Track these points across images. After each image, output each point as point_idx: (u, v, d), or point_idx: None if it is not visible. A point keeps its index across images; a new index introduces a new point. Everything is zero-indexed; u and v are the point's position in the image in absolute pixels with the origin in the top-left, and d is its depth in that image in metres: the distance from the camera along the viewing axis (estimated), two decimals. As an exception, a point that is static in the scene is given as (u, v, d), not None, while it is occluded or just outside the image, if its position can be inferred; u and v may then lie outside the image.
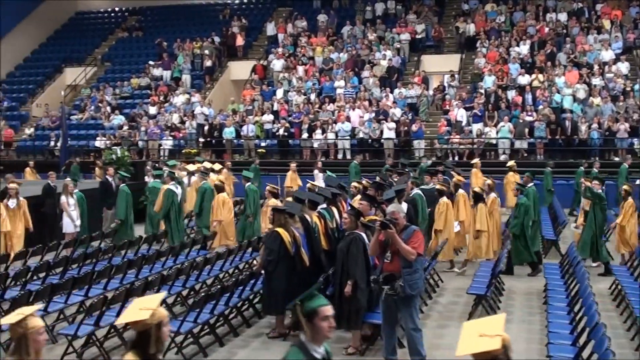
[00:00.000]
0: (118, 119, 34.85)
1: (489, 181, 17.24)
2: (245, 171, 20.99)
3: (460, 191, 17.36)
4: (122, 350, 10.86)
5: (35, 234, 17.37)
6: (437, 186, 17.08)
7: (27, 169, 28.06)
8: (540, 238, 17.61)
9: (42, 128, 36.15)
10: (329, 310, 5.25)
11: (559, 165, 25.94)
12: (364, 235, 10.45)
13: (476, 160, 24.98)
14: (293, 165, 26.34)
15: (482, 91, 31.16)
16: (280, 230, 11.23)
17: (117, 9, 47.37)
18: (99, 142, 32.90)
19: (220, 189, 18.11)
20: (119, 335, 10.92)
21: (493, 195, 16.69)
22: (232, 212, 18.42)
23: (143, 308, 5.03)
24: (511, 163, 24.04)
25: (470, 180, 22.56)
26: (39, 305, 10.24)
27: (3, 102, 38.78)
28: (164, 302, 12.42)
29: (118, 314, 10.77)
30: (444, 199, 16.46)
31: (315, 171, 25.53)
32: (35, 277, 13.44)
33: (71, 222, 17.98)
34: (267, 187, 16.71)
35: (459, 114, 30.27)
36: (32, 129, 36.46)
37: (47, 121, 36.04)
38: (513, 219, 15.97)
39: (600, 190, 16.06)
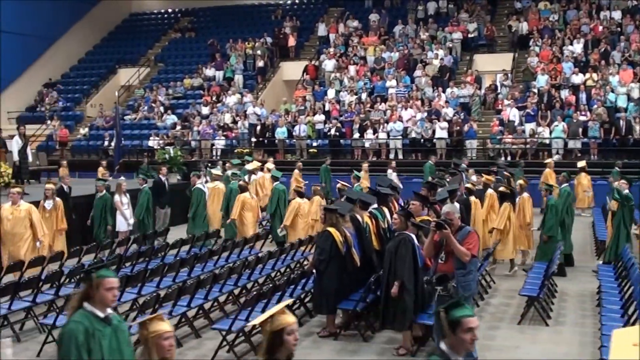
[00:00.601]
0: (171, 119, 35.20)
1: (520, 181, 17.04)
2: (275, 171, 21.26)
3: (489, 191, 17.14)
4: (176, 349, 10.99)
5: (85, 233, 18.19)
6: (468, 185, 16.98)
7: (100, 168, 28.39)
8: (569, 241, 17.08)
9: (96, 128, 36.67)
10: (473, 322, 5.13)
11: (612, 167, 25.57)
12: (413, 236, 10.39)
13: (550, 160, 24.78)
14: (299, 164, 26.24)
15: (535, 90, 30.88)
16: (331, 229, 11.23)
17: (170, 10, 47.90)
18: (152, 142, 33.24)
19: (243, 189, 18.37)
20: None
21: (525, 195, 16.50)
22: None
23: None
24: (582, 164, 23.78)
25: (543, 179, 22.05)
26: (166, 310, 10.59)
27: (58, 103, 39.43)
28: (215, 300, 12.53)
29: (170, 312, 10.89)
30: (473, 198, 16.32)
31: (389, 170, 25.37)
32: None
33: (124, 220, 18.18)
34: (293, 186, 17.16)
35: (512, 114, 29.96)
36: (86, 129, 36.98)
37: (102, 121, 36.55)
38: (546, 221, 15.66)
39: (627, 191, 15.73)
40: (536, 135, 29.09)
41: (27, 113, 39.09)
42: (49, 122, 36.48)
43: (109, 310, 5.99)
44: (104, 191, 18.12)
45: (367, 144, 30.84)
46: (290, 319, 5.35)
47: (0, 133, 25.17)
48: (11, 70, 38.81)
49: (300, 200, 17.75)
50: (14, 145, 21.51)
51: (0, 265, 14.21)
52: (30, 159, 22.64)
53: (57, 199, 16.30)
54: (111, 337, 5.94)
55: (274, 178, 20.03)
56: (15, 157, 21.34)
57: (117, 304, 11.81)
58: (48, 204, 16.08)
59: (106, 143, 34.12)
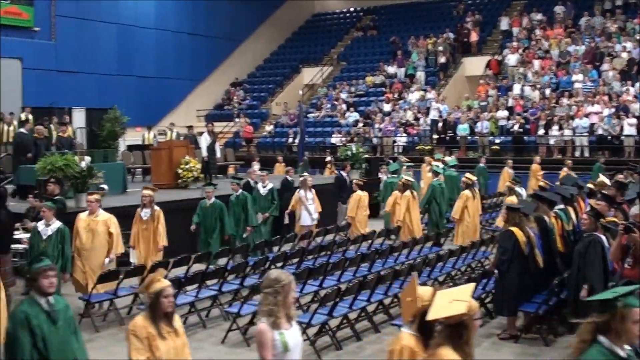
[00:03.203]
0: (353, 117, 35.57)
1: None
2: (391, 164, 21.38)
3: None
4: (353, 341, 11.14)
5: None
6: None
7: (277, 164, 29.25)
8: None
9: (280, 125, 37.60)
10: None
11: None
12: (603, 237, 10.01)
13: None
14: (329, 158, 26.73)
15: None
16: (514, 229, 11.02)
17: (352, 9, 48.41)
18: (335, 139, 33.71)
19: (407, 186, 18.27)
20: (351, 326, 11.19)
21: None
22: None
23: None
24: None
25: None
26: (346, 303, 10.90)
27: (245, 101, 40.78)
28: (395, 296, 12.56)
29: (350, 306, 11.04)
30: None
31: (564, 169, 24.61)
32: (273, 267, 14.02)
33: (308, 215, 18.55)
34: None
35: None
36: (271, 126, 38.01)
37: (286, 119, 37.45)
38: None
39: None
40: None
41: (215, 111, 40.67)
42: (236, 119, 37.82)
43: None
44: (240, 190, 17.01)
45: (551, 141, 29.94)
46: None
47: (192, 130, 26.41)
48: (200, 70, 40.58)
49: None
50: (203, 141, 22.37)
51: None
52: (218, 154, 23.47)
53: (156, 207, 14.13)
54: None
55: (435, 173, 19.93)
56: (204, 153, 22.19)
57: (298, 295, 12.16)
58: (145, 214, 14.04)
59: (290, 140, 34.90)
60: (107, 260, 12.60)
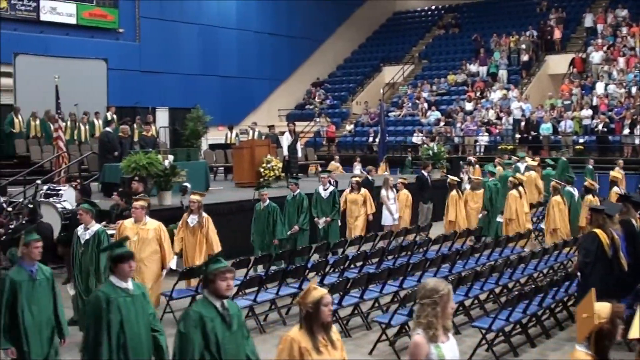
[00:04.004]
0: (434, 115, 35.37)
1: None
2: (487, 165, 21.00)
3: None
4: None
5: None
6: None
7: (355, 163, 29.27)
8: None
9: (361, 124, 37.62)
10: None
11: None
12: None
13: None
14: (337, 157, 26.88)
15: None
16: (598, 231, 10.80)
17: (433, 7, 48.12)
18: (416, 138, 33.58)
19: (515, 185, 18.10)
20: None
21: None
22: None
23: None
24: None
25: None
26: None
27: (326, 101, 40.93)
28: (476, 297, 12.47)
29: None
30: None
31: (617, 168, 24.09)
32: (352, 266, 14.06)
33: (390, 215, 18.51)
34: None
35: None
36: (352, 126, 38.06)
37: (367, 118, 37.44)
38: None
39: None
40: None
41: (296, 111, 40.91)
42: (317, 119, 37.98)
43: None
44: (297, 191, 16.67)
45: (637, 141, 29.22)
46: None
47: (273, 130, 26.63)
48: (282, 70, 40.90)
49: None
50: (284, 141, 22.54)
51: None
52: (299, 154, 23.61)
53: (204, 214, 13.40)
54: None
55: (490, 173, 19.87)
56: (285, 152, 22.35)
57: (378, 295, 12.18)
58: (192, 220, 13.34)
59: (371, 139, 34.91)
60: (164, 271, 11.93)
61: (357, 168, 27.20)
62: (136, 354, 6.94)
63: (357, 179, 18.32)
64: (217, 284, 6.30)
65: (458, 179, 20.04)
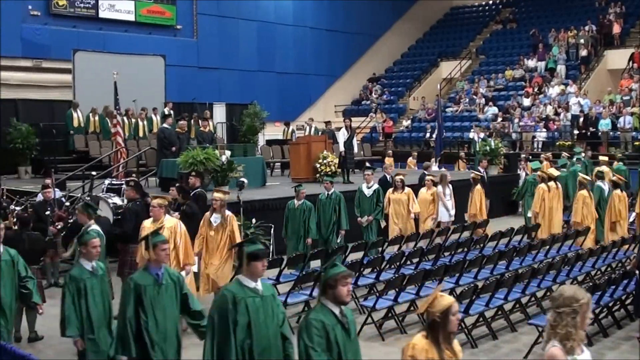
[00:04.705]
0: (492, 111, 35.10)
1: None
2: (534, 163, 20.76)
3: None
4: (489, 339, 11.04)
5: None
6: None
7: (410, 159, 29.27)
8: None
9: (418, 120, 37.48)
10: None
11: None
12: None
13: None
14: (390, 152, 26.41)
15: None
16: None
17: (491, 2, 47.74)
18: (473, 134, 33.34)
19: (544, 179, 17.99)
20: (487, 324, 11.11)
21: None
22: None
23: None
24: None
25: None
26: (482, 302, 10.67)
27: (382, 96, 40.87)
28: (533, 295, 12.36)
29: (487, 304, 10.95)
30: None
31: None
32: (409, 262, 14.03)
33: (446, 211, 18.44)
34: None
35: None
36: (408, 121, 37.97)
37: (423, 114, 37.30)
38: None
39: None
40: None
41: (352, 106, 40.95)
42: (373, 114, 37.96)
43: None
44: (332, 190, 15.59)
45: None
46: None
47: (330, 125, 26.70)
48: (338, 66, 41.01)
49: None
50: (341, 137, 22.55)
51: None
52: (355, 149, 23.62)
53: (228, 212, 12.59)
54: None
55: (533, 169, 19.67)
56: (341, 148, 22.38)
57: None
58: (215, 219, 12.45)
59: (427, 135, 34.78)
60: (183, 273, 10.38)
61: (434, 166, 27.14)
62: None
63: (401, 176, 17.45)
64: (338, 290, 5.96)
65: (481, 174, 19.78)
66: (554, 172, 18.81)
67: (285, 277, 12.73)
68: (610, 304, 11.71)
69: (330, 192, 15.50)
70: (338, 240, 15.28)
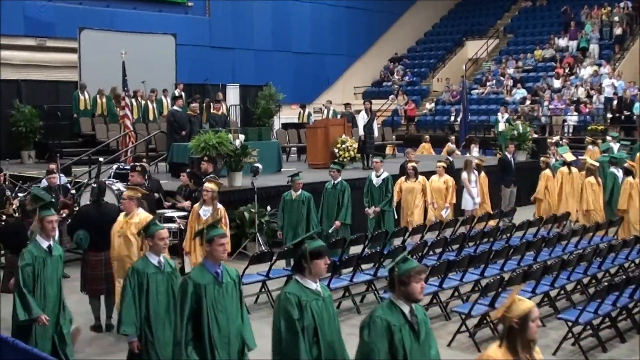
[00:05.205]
0: (520, 93, 34.91)
1: None
2: (562, 147, 20.71)
3: None
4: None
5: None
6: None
7: (449, 144, 29.13)
8: None
9: (442, 103, 37.38)
10: None
11: None
12: None
13: None
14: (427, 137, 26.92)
15: None
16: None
17: (521, -23, 47.45)
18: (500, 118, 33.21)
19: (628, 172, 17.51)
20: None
21: None
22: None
23: None
24: None
25: None
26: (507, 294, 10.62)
27: (405, 77, 40.74)
28: (562, 288, 12.30)
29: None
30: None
31: None
32: (431, 253, 13.99)
33: (471, 199, 18.38)
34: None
35: None
36: (432, 104, 37.85)
37: (448, 96, 37.19)
38: None
39: None
40: None
41: (373, 88, 40.85)
42: (394, 97, 37.86)
43: None
44: (339, 179, 15.04)
45: None
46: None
47: (349, 108, 26.63)
48: (358, 45, 40.91)
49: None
50: (360, 120, 22.52)
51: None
52: (376, 134, 23.57)
53: (219, 205, 12.23)
54: None
55: (611, 162, 19.44)
56: (361, 132, 22.34)
57: (458, 284, 12.13)
58: (204, 212, 12.03)
59: (452, 118, 34.67)
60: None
61: (474, 150, 27.09)
62: None
63: (413, 164, 17.09)
64: (411, 287, 5.73)
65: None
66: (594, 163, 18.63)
67: (275, 273, 12.58)
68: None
69: (336, 182, 15.02)
70: (330, 231, 14.70)
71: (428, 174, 17.76)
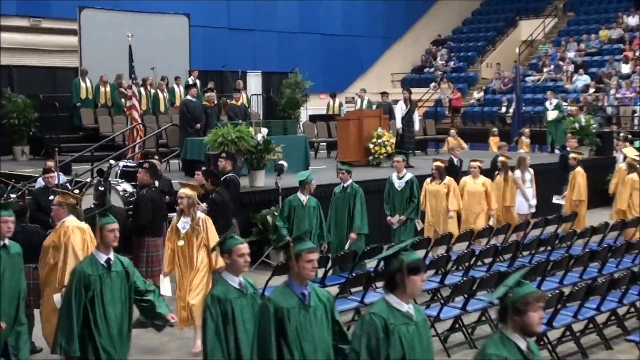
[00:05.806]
0: (582, 80, 34.73)
1: None
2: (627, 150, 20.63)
3: None
4: (579, 357, 10.93)
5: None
6: None
7: (493, 138, 28.91)
8: None
9: (492, 91, 37.27)
10: None
11: None
12: None
13: None
14: (452, 131, 26.93)
15: None
16: None
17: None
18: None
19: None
20: (575, 339, 10.97)
21: None
22: None
23: None
24: None
25: None
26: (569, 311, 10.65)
27: (449, 63, 40.63)
28: (632, 305, 12.20)
29: (575, 314, 10.82)
30: None
31: None
32: (479, 263, 13.93)
33: (525, 201, 18.28)
34: None
35: None
36: (481, 93, 37.73)
37: (499, 83, 37.07)
38: None
39: None
40: None
41: (413, 75, 40.88)
42: (437, 84, 37.79)
43: None
44: (349, 181, 14.60)
45: None
46: None
47: (386, 98, 26.59)
48: (396, 27, 40.90)
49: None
50: (398, 111, 22.51)
51: None
52: (416, 127, 23.51)
53: (201, 214, 11.27)
54: None
55: None
56: (399, 125, 22.32)
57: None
58: (183, 225, 11.04)
59: (503, 109, 34.54)
60: (55, 298, 9.39)
61: (524, 144, 27.05)
62: None
63: (439, 163, 16.33)
64: (528, 317, 5.35)
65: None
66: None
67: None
68: None
69: (346, 185, 14.58)
70: (346, 247, 14.09)
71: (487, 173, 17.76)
